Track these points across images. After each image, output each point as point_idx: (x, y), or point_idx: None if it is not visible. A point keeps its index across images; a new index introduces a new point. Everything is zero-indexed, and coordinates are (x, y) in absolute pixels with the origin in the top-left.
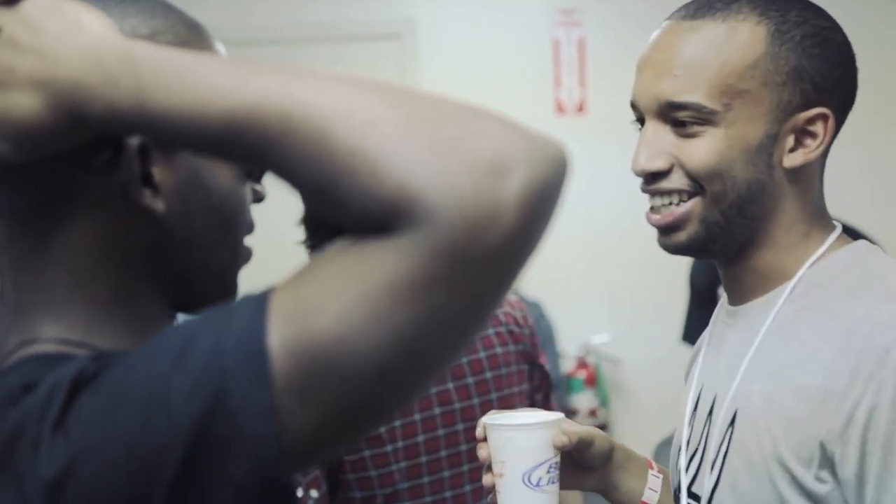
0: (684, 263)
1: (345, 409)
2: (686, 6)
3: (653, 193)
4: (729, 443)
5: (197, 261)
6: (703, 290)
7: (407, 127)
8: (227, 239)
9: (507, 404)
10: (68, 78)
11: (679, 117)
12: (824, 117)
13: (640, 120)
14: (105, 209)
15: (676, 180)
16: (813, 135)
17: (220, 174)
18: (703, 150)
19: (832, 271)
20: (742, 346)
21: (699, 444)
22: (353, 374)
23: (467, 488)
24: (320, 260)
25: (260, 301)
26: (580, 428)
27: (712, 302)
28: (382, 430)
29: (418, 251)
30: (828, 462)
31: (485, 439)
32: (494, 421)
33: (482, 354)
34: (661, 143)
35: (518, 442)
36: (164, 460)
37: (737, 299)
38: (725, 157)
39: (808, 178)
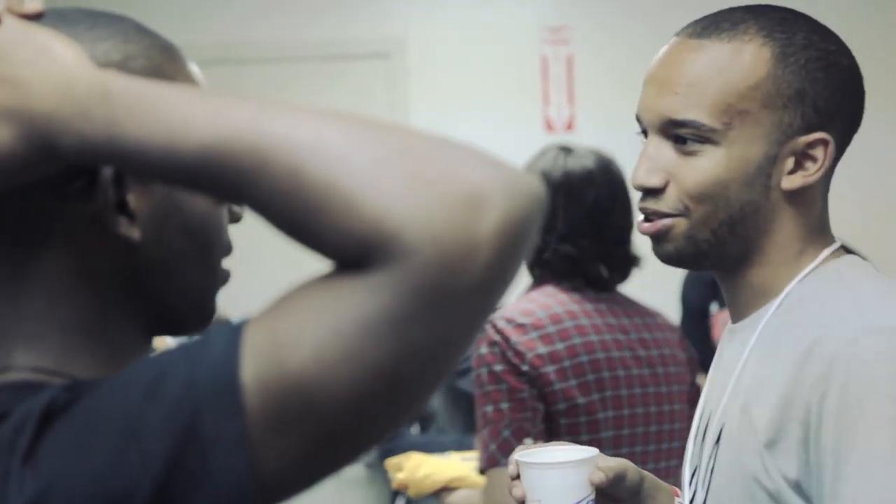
0: (676, 280)
1: (320, 442)
2: (696, 22)
3: (643, 211)
4: (714, 460)
5: (174, 285)
6: (695, 307)
7: (381, 161)
8: (204, 262)
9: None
10: (40, 109)
11: (679, 134)
12: (824, 142)
13: (645, 132)
14: (80, 236)
15: (666, 202)
16: (813, 158)
17: (196, 198)
18: (701, 169)
19: (815, 286)
20: (733, 362)
21: (698, 461)
22: (326, 410)
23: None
24: (296, 293)
25: (234, 334)
26: (614, 462)
27: (704, 319)
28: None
29: (393, 288)
30: (794, 472)
31: (518, 477)
32: (527, 459)
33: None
34: (660, 160)
35: (554, 481)
36: (136, 494)
37: (735, 316)
38: (722, 178)
39: (808, 199)
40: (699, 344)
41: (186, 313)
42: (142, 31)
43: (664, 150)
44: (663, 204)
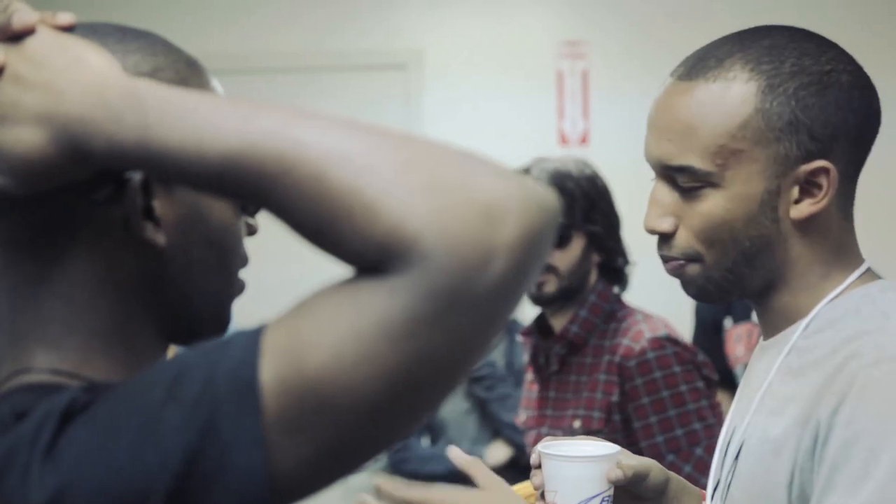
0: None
1: (335, 444)
2: (685, 61)
3: (660, 256)
4: (733, 476)
5: (193, 293)
6: (709, 322)
7: (403, 170)
8: (223, 271)
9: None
10: (72, 113)
11: (673, 179)
12: (825, 170)
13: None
14: (106, 241)
15: (678, 246)
16: (818, 185)
17: (218, 208)
18: (704, 212)
19: (845, 310)
20: (759, 380)
21: (720, 475)
22: (343, 411)
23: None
24: (315, 296)
25: (254, 336)
26: (637, 461)
27: (717, 334)
28: None
29: (411, 292)
30: (808, 487)
31: (539, 466)
32: (549, 450)
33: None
34: (667, 204)
35: (569, 474)
36: (153, 492)
37: (766, 334)
38: (726, 219)
39: (822, 224)
40: (713, 358)
41: (204, 321)
42: (168, 46)
43: (670, 194)
44: (677, 249)
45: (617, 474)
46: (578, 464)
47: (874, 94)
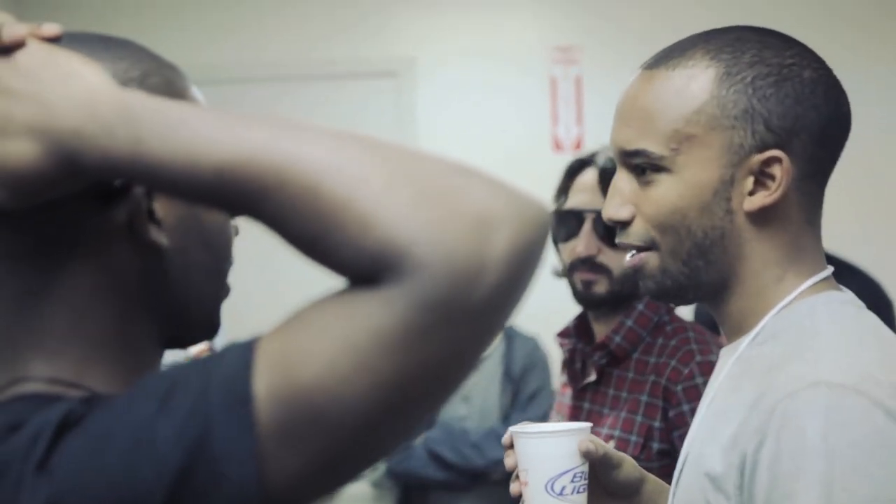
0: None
1: (329, 456)
2: (653, 56)
3: (618, 244)
4: (677, 485)
5: (191, 295)
6: (708, 323)
7: (396, 182)
8: (217, 273)
9: None
10: (66, 126)
11: (635, 164)
12: (779, 160)
13: None
14: (107, 246)
15: (634, 233)
16: (771, 177)
17: (212, 210)
18: (658, 198)
19: (789, 322)
20: (708, 391)
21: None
22: (337, 423)
23: None
24: (309, 308)
25: (247, 348)
26: (611, 449)
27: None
28: None
29: (404, 303)
30: None
31: (512, 447)
32: (520, 429)
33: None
34: (626, 192)
35: (539, 450)
36: (148, 503)
37: (727, 339)
38: (678, 205)
39: (779, 220)
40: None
41: (198, 324)
42: (150, 52)
43: (629, 182)
44: (633, 236)
45: (588, 446)
46: (547, 439)
47: (842, 95)
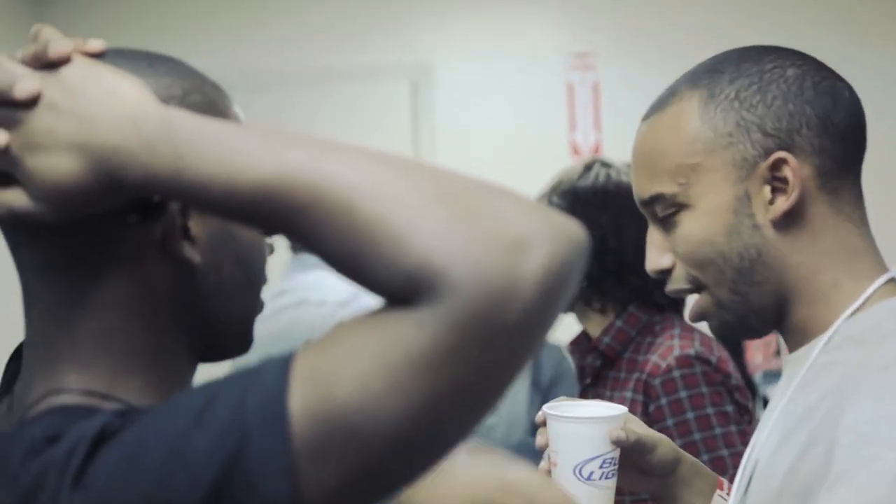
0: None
1: (361, 474)
2: (649, 107)
3: (671, 294)
4: (745, 493)
5: (224, 311)
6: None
7: (431, 203)
8: (250, 289)
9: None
10: (107, 142)
11: (655, 213)
12: (784, 161)
13: None
14: (141, 261)
15: (677, 278)
16: (784, 179)
17: (246, 227)
18: (684, 236)
19: (869, 325)
20: (777, 399)
21: (739, 492)
22: (370, 442)
23: None
24: (345, 326)
25: (284, 364)
26: (645, 430)
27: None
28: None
29: (439, 324)
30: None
31: (545, 424)
32: (553, 410)
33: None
34: (660, 242)
35: (570, 434)
36: None
37: (790, 349)
38: (705, 236)
39: (811, 223)
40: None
41: (231, 339)
42: (193, 69)
43: (659, 232)
44: (678, 281)
45: (619, 434)
46: (579, 424)
47: (837, 82)
